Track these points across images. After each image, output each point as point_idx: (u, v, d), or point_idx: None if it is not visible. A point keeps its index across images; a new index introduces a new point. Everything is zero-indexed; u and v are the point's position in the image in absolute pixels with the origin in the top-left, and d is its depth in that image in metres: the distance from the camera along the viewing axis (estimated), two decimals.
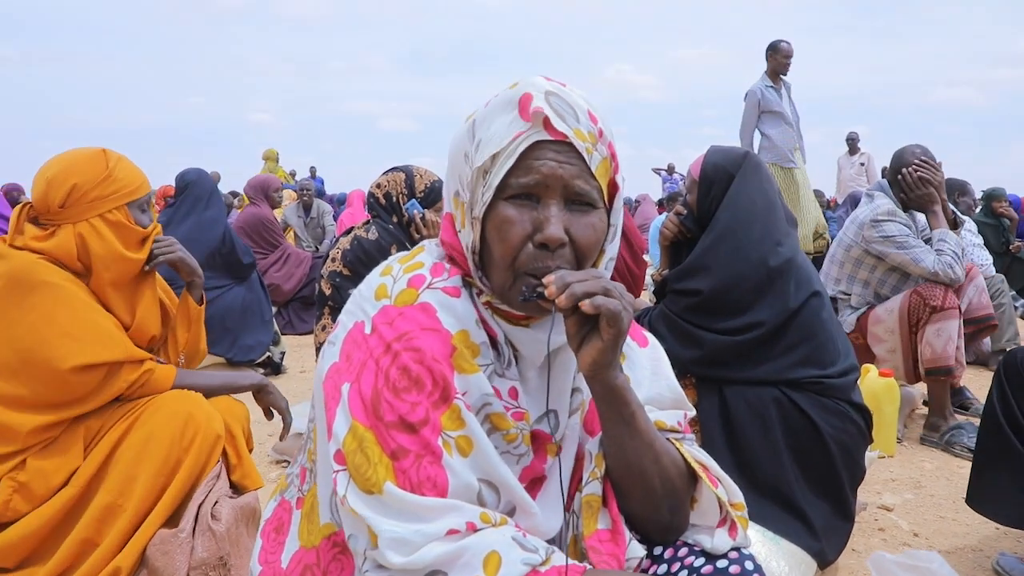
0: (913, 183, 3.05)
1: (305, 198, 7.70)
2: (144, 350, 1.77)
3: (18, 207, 1.73)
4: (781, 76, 6.03)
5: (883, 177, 4.09)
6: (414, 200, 2.83)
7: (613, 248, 0.98)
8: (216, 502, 1.69)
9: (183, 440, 1.66)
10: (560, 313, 0.88)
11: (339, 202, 11.83)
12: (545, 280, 0.87)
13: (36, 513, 1.59)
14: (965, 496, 2.06)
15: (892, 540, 2.25)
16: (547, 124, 0.90)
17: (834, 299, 3.22)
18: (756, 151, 5.68)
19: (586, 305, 0.84)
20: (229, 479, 1.80)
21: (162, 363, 1.82)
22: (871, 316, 3.15)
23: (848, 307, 3.24)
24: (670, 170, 15.10)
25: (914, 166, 3.06)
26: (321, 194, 10.88)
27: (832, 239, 7.32)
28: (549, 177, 0.89)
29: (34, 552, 1.60)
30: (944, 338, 2.91)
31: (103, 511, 1.60)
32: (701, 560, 0.96)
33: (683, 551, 0.98)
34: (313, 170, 14.85)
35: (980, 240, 4.64)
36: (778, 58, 5.98)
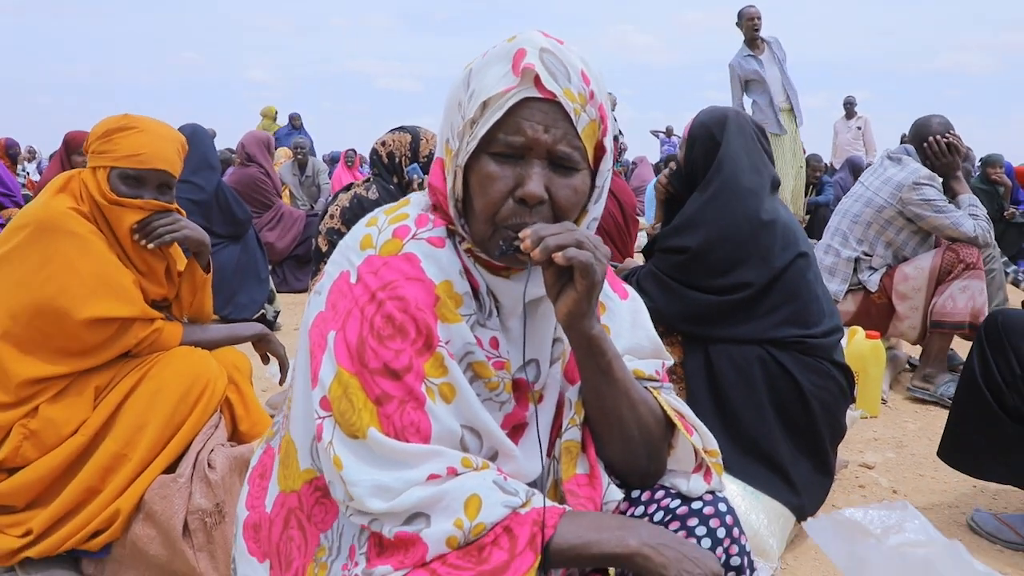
0: (941, 151, 3.21)
1: (299, 156, 7.65)
2: (153, 307, 1.79)
3: None
4: (762, 38, 5.97)
5: (902, 143, 4.16)
6: (416, 164, 2.81)
7: (597, 209, 0.99)
8: (212, 450, 1.73)
9: (190, 396, 1.70)
10: (538, 266, 0.90)
11: (332, 160, 11.68)
12: (521, 234, 0.89)
13: (46, 458, 1.62)
14: (937, 449, 2.11)
15: (871, 496, 2.31)
16: (537, 82, 0.90)
17: (857, 260, 3.29)
18: None
19: (559, 257, 0.87)
20: (238, 429, 1.85)
21: (172, 319, 1.84)
22: (897, 274, 3.23)
23: (869, 268, 3.30)
24: (668, 133, 15.00)
25: (944, 135, 3.22)
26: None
27: (824, 206, 7.32)
28: (533, 140, 0.90)
29: (40, 495, 1.65)
30: (968, 294, 3.07)
31: (109, 459, 1.64)
32: (677, 502, 1.00)
33: (659, 493, 1.02)
34: (294, 118, 11.45)
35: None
36: (744, 23, 5.92)
